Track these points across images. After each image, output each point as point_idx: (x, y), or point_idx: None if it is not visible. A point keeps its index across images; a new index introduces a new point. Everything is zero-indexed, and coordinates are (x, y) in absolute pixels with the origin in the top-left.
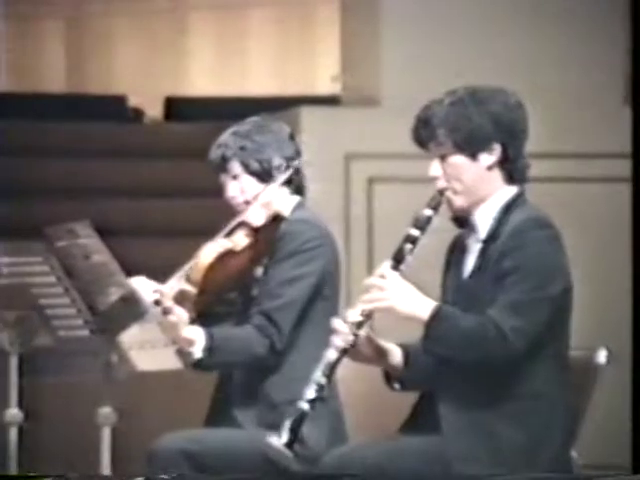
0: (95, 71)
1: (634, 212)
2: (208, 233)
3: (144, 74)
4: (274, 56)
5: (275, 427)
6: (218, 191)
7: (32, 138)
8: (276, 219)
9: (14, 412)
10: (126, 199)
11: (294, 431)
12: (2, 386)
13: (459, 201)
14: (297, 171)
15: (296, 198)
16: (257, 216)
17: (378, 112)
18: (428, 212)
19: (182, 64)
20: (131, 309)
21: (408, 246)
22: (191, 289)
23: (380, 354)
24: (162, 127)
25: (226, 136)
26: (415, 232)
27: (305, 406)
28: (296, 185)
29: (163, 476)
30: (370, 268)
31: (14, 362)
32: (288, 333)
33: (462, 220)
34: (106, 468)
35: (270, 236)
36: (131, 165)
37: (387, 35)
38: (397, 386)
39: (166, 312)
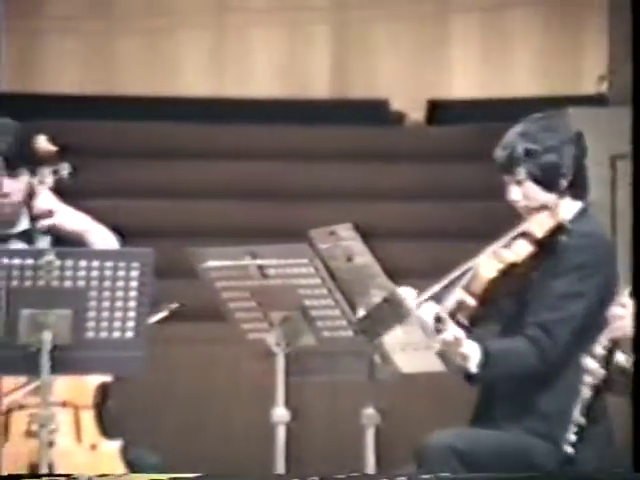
0: (358, 75)
1: (634, 213)
2: (468, 237)
3: (407, 78)
4: (539, 56)
5: (541, 435)
6: (481, 194)
7: (297, 142)
8: (559, 229)
9: (282, 411)
10: (389, 202)
11: None
12: (269, 386)
13: None
14: (581, 173)
15: (578, 204)
16: (540, 226)
17: None
18: None
19: (445, 67)
20: (393, 311)
21: None
22: (470, 301)
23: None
24: (424, 130)
25: (513, 137)
26: None
27: (569, 450)
28: (579, 188)
29: (425, 476)
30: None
31: (281, 362)
32: (563, 347)
33: None
34: (371, 468)
35: (552, 246)
36: (394, 168)
37: None
38: None
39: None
